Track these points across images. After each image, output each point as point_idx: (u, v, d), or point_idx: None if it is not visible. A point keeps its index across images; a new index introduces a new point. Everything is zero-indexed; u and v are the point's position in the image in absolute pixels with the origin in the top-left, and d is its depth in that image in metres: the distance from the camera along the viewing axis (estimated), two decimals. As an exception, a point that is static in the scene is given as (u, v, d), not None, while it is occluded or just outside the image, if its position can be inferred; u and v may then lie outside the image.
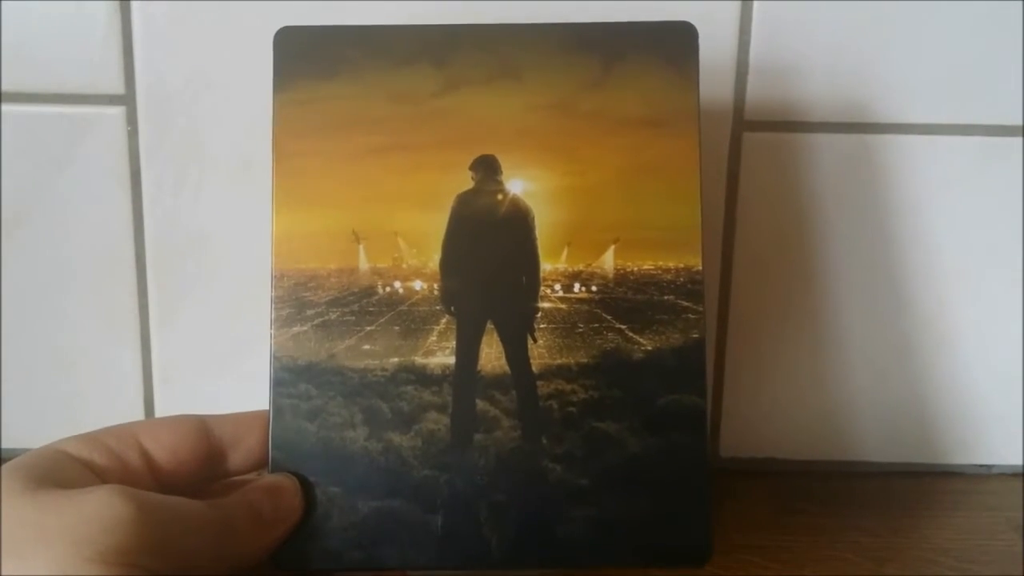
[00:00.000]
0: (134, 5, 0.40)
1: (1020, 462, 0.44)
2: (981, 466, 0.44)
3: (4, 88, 0.41)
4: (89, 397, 0.44)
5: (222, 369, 0.43)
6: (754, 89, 0.41)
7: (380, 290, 0.31)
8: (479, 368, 0.30)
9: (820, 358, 0.43)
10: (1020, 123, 0.41)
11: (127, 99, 0.41)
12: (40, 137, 0.41)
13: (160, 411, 0.44)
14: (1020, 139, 0.41)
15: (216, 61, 0.41)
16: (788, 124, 0.41)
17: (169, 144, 0.41)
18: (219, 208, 0.42)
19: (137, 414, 0.44)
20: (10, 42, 0.40)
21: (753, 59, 0.40)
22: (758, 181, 0.42)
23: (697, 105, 0.31)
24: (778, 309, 0.43)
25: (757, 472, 0.44)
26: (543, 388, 0.30)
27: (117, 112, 0.41)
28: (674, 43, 0.31)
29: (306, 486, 0.29)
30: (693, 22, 0.31)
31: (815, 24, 0.40)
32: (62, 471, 0.25)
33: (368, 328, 0.31)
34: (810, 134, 0.41)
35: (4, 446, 0.44)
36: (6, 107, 0.41)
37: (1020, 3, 0.40)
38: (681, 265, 0.31)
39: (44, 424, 0.44)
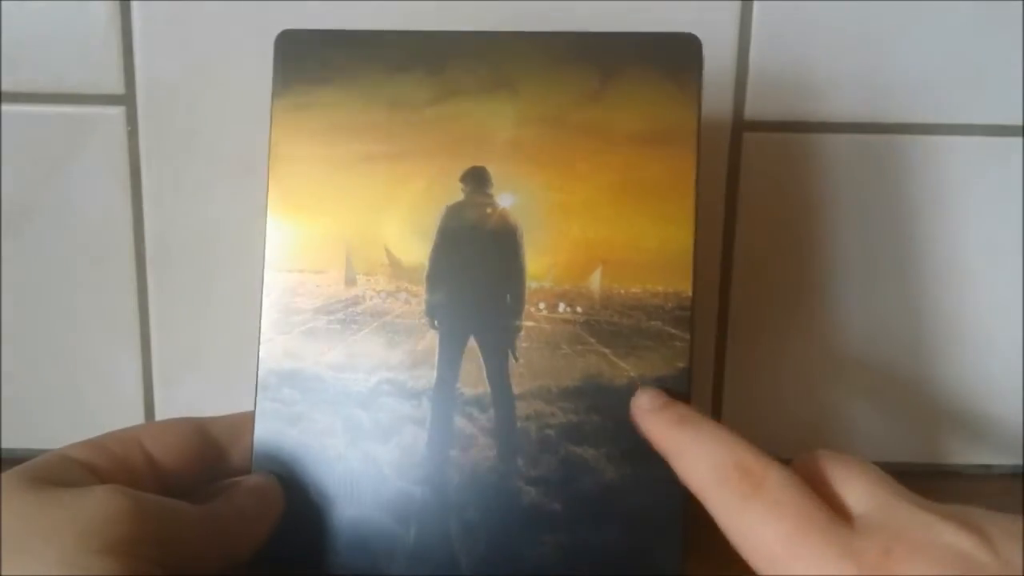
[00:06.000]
0: (134, 5, 0.40)
1: (1020, 462, 0.44)
2: (981, 466, 0.44)
3: (4, 88, 0.41)
4: (89, 397, 0.44)
5: (222, 370, 0.43)
6: (754, 89, 0.41)
7: (366, 300, 0.31)
8: (459, 384, 0.30)
9: (820, 358, 0.43)
10: (1020, 123, 0.41)
11: (127, 99, 0.41)
12: (40, 137, 0.41)
13: (160, 412, 0.44)
14: (1020, 139, 0.41)
15: (216, 61, 0.41)
16: (788, 124, 0.41)
17: (169, 144, 0.41)
18: (219, 208, 0.42)
19: (137, 415, 0.44)
20: (10, 42, 0.40)
21: (753, 59, 0.40)
22: (758, 181, 0.42)
23: (697, 122, 0.30)
24: (778, 309, 0.43)
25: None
26: (522, 409, 0.29)
27: (117, 112, 0.41)
28: (676, 55, 0.30)
29: (285, 488, 0.29)
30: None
31: (815, 24, 0.40)
32: (65, 473, 0.25)
33: (352, 337, 0.30)
34: (810, 134, 0.41)
35: (4, 446, 0.44)
36: (6, 107, 0.41)
37: (1020, 3, 0.40)
38: (670, 290, 0.29)
39: (44, 424, 0.44)
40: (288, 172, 0.31)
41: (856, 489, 0.24)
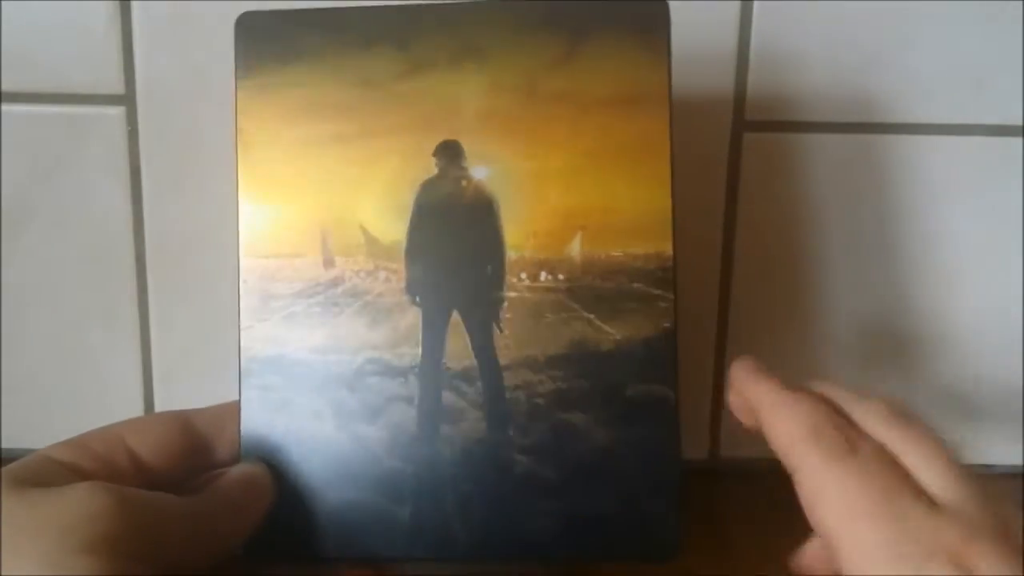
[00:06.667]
0: (134, 5, 0.40)
1: (1020, 462, 0.44)
2: (981, 466, 0.44)
3: (4, 88, 0.41)
4: (89, 397, 0.44)
5: (222, 369, 0.43)
6: (754, 88, 0.41)
7: (345, 281, 0.30)
8: (445, 359, 0.30)
9: (820, 358, 0.43)
10: (1020, 123, 0.41)
11: (127, 99, 0.41)
12: (40, 137, 0.41)
13: (159, 410, 0.44)
14: (1020, 139, 0.41)
15: (216, 61, 0.40)
16: (789, 124, 0.41)
17: (169, 144, 0.41)
18: (219, 208, 0.42)
19: (136, 414, 0.44)
20: (10, 42, 0.40)
21: (753, 59, 0.40)
22: (758, 181, 0.42)
23: (668, 83, 0.30)
24: (778, 309, 0.43)
25: (757, 472, 0.44)
26: (509, 379, 0.29)
27: (117, 112, 0.41)
28: (643, 18, 0.30)
29: (276, 476, 0.29)
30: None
31: (815, 23, 0.40)
32: (47, 474, 0.25)
33: (334, 319, 0.30)
34: (810, 134, 0.41)
35: (4, 446, 0.44)
36: (6, 107, 0.41)
37: (1020, 3, 0.40)
38: (651, 251, 0.29)
39: (44, 424, 0.44)
40: (257, 157, 0.31)
41: (940, 472, 0.24)
